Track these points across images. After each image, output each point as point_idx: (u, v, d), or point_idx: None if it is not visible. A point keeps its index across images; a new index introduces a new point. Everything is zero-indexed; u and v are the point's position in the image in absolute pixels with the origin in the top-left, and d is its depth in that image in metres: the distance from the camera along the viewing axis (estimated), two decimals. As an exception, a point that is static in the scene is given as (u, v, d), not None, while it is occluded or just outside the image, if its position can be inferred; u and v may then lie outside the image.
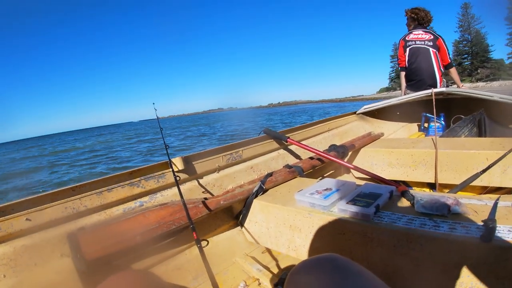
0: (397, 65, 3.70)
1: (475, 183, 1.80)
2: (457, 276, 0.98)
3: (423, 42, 3.40)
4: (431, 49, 3.37)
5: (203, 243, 0.90)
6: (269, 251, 1.59)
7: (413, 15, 3.52)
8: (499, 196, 1.20)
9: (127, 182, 1.43)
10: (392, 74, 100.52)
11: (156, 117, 1.84)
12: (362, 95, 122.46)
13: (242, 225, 1.65)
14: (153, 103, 1.88)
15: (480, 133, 2.63)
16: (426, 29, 3.48)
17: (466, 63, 73.09)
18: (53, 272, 1.12)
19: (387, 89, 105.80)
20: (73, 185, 1.29)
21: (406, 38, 3.50)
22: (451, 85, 3.68)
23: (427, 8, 3.52)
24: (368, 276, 0.57)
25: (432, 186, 2.15)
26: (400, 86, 3.67)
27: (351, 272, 0.58)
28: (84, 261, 1.12)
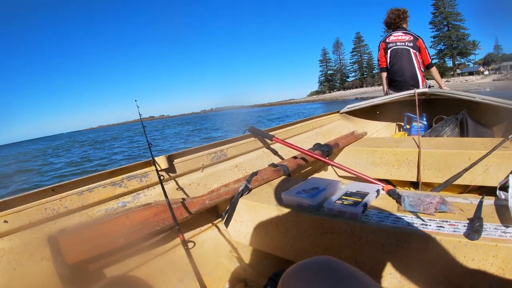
0: (374, 67, 3.77)
1: (458, 182, 1.82)
2: (446, 273, 0.98)
3: (403, 43, 3.44)
4: (411, 50, 3.41)
5: (190, 244, 0.88)
6: (255, 251, 1.58)
7: (387, 19, 3.63)
8: (484, 195, 1.22)
9: (109, 181, 1.38)
10: (321, 78, 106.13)
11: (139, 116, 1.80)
12: (294, 99, 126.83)
13: (227, 225, 1.63)
14: (135, 100, 1.84)
15: (462, 133, 2.66)
16: (406, 30, 3.52)
17: None
18: (33, 276, 1.09)
19: (317, 93, 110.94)
20: (53, 185, 1.25)
21: (387, 40, 3.54)
22: (433, 86, 3.73)
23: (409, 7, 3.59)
24: (362, 279, 0.57)
25: (415, 185, 2.18)
26: (382, 86, 3.70)
27: (345, 275, 0.57)
28: (65, 264, 1.09)
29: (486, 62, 70.79)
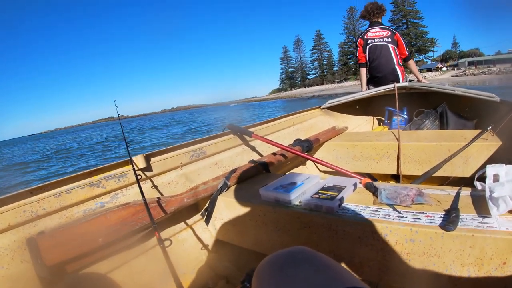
0: (357, 63, 3.72)
1: (438, 173, 1.84)
2: (423, 265, 0.99)
3: (382, 39, 3.45)
4: (390, 45, 3.42)
5: (166, 243, 0.88)
6: (236, 247, 1.57)
7: (364, 13, 3.62)
8: (461, 186, 1.22)
9: (87, 182, 1.37)
10: (283, 76, 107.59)
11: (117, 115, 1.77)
12: (255, 97, 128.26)
13: (208, 222, 1.61)
14: (114, 100, 1.82)
15: (442, 126, 2.69)
16: (382, 25, 3.54)
17: (351, 62, 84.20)
18: (13, 279, 1.08)
19: (278, 90, 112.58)
20: (31, 187, 1.24)
21: (365, 37, 3.54)
22: (413, 81, 3.76)
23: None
24: (336, 268, 0.56)
25: (396, 178, 2.19)
26: (361, 82, 3.71)
27: (319, 264, 0.56)
28: (45, 266, 1.08)
29: (444, 59, 73.15)
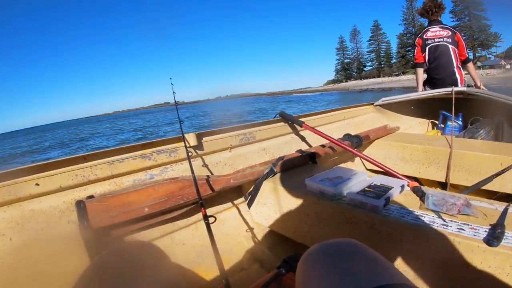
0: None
1: (487, 187, 1.79)
2: (460, 276, 0.97)
3: (442, 39, 3.32)
4: (450, 46, 3.28)
5: (211, 219, 0.91)
6: (274, 234, 1.60)
7: (422, 11, 3.48)
8: (510, 203, 1.19)
9: (139, 154, 1.44)
10: (338, 67, 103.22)
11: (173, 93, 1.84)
12: (310, 87, 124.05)
13: (250, 205, 1.65)
14: (170, 78, 1.90)
15: (497, 138, 2.59)
16: (442, 24, 3.40)
17: (410, 55, 75.51)
18: (58, 238, 1.14)
19: (333, 81, 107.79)
20: (85, 153, 1.31)
21: (424, 37, 3.40)
22: (472, 86, 3.60)
23: None
24: (384, 263, 0.57)
25: (443, 185, 2.14)
26: (417, 82, 3.58)
27: (369, 257, 0.58)
28: (90, 229, 1.13)
29: (508, 55, 67.17)
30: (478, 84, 3.38)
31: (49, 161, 1.23)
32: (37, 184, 1.17)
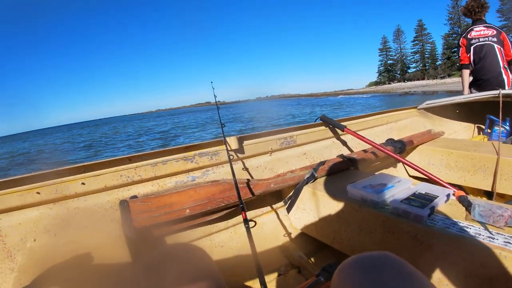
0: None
1: None
2: None
3: (487, 39, 3.20)
4: (496, 46, 3.16)
5: (251, 224, 0.92)
6: (313, 240, 1.59)
7: (465, 11, 3.37)
8: None
9: (182, 156, 1.47)
10: (381, 68, 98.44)
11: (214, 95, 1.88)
12: (352, 89, 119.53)
13: (289, 210, 1.64)
14: (211, 82, 1.94)
15: None
16: (487, 23, 3.27)
17: (455, 56, 69.14)
18: (102, 235, 1.18)
19: (376, 83, 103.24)
20: (130, 155, 1.35)
21: (468, 36, 3.29)
22: None
23: None
24: (422, 280, 0.55)
25: (488, 194, 2.06)
26: (462, 84, 3.47)
27: (405, 272, 0.56)
28: (133, 228, 1.17)
29: None
30: None
31: (95, 161, 1.28)
32: (83, 183, 1.22)
